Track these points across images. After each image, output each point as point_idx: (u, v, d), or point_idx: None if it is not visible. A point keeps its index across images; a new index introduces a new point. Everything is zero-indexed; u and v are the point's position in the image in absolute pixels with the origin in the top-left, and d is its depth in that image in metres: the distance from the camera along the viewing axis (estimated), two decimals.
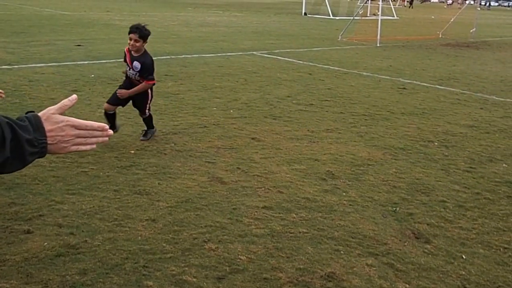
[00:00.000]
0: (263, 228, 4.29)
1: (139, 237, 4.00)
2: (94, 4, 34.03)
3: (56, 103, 1.41)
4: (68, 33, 17.24)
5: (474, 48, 20.39)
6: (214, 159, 5.88)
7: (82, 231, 4.06)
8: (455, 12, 28.64)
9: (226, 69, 11.96)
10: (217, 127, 7.18)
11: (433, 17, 39.27)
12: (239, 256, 3.82)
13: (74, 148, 1.40)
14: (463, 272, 3.81)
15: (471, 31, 24.59)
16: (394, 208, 4.81)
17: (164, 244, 3.92)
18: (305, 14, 36.51)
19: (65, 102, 1.42)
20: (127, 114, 7.48)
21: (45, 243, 3.84)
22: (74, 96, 1.46)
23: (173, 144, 6.30)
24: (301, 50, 16.42)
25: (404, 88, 10.75)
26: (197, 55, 13.86)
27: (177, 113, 7.76)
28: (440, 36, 24.04)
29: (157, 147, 6.16)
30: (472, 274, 3.80)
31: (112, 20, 23.31)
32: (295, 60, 14.00)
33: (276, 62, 13.54)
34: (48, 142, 1.35)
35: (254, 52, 15.13)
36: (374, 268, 3.76)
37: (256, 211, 4.59)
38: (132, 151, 5.98)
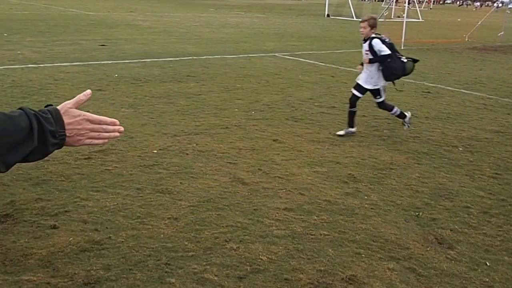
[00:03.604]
0: (284, 229, 4.35)
1: (162, 235, 4.10)
2: (118, 4, 34.46)
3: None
4: (92, 33, 17.54)
5: (502, 52, 20.17)
6: (236, 160, 5.97)
7: (106, 227, 4.19)
8: (482, 15, 28.38)
9: (248, 71, 12.06)
10: (238, 128, 7.26)
11: (459, 20, 38.96)
12: (260, 256, 3.88)
13: (88, 141, 1.49)
14: (487, 279, 3.79)
15: (499, 34, 24.33)
16: (417, 213, 4.81)
17: (186, 243, 4.01)
18: (328, 15, 36.51)
19: (81, 97, 1.50)
20: (150, 114, 7.61)
21: (71, 238, 3.98)
22: (89, 91, 1.54)
23: (195, 145, 6.41)
24: (324, 52, 16.46)
25: (429, 92, 10.72)
26: (219, 56, 13.98)
27: (199, 114, 7.87)
28: (467, 39, 23.85)
29: (179, 147, 6.27)
30: (496, 281, 3.78)
31: (135, 20, 23.61)
32: (317, 62, 14.04)
33: (298, 64, 13.59)
34: (67, 134, 1.44)
35: (276, 54, 15.20)
36: (396, 273, 3.78)
37: (277, 213, 4.65)
38: (155, 151, 6.10)
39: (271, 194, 5.08)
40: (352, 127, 7.33)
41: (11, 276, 3.48)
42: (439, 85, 11.60)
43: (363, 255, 4.01)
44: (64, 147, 1.47)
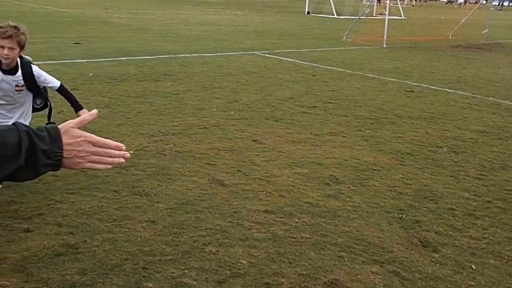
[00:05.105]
0: (264, 232, 4.36)
1: (139, 238, 4.09)
2: (92, 1, 34.21)
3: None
4: (66, 31, 17.41)
5: (486, 50, 20.35)
6: (215, 161, 5.97)
7: (82, 231, 4.16)
8: (466, 12, 28.66)
9: (227, 69, 12.06)
10: (217, 128, 7.26)
11: (442, 17, 39.33)
12: (240, 260, 3.89)
13: (88, 165, 1.43)
14: (473, 283, 3.82)
15: (483, 32, 24.56)
16: (401, 215, 4.84)
17: (164, 246, 4.01)
18: (308, 13, 36.61)
19: (86, 116, 1.45)
20: (126, 114, 7.58)
21: (45, 242, 3.96)
22: (95, 111, 1.48)
23: (172, 145, 6.39)
24: (304, 50, 16.51)
25: (412, 91, 10.82)
26: (196, 55, 13.96)
27: (176, 114, 7.85)
28: (450, 37, 24.06)
29: (157, 148, 6.25)
30: (481, 285, 3.81)
31: (111, 17, 23.49)
32: (297, 61, 14.09)
33: (278, 63, 13.62)
34: (64, 155, 1.38)
35: (255, 52, 15.22)
36: (379, 276, 3.80)
37: (258, 215, 4.66)
38: (131, 152, 6.06)
39: (251, 196, 5.09)
40: None
41: None
42: (422, 84, 11.70)
43: (345, 259, 4.03)
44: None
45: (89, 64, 11.58)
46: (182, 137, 6.75)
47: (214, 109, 8.29)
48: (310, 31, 23.35)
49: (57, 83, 4.81)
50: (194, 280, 3.59)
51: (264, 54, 14.91)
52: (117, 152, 1.47)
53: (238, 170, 5.73)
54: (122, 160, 1.48)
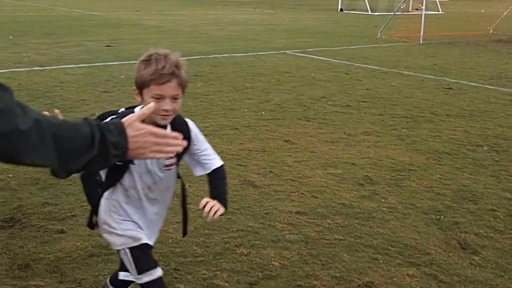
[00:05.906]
0: (296, 233, 4.38)
1: (170, 240, 4.15)
2: (123, 4, 34.71)
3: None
4: (97, 34, 17.74)
5: None
6: (246, 162, 6.00)
7: None
8: (508, 6, 28.15)
9: (258, 69, 12.11)
10: (248, 129, 7.30)
11: (482, 11, 38.76)
12: (272, 262, 3.91)
13: (151, 154, 1.61)
14: None
15: None
16: (438, 216, 4.79)
17: (195, 248, 4.06)
18: (341, 10, 36.49)
19: (144, 110, 1.66)
20: None
21: (78, 243, 4.07)
22: (152, 104, 1.70)
23: None
24: (337, 48, 16.46)
25: (450, 88, 10.68)
26: (227, 55, 14.05)
27: (207, 115, 7.92)
28: (491, 31, 23.67)
29: None
30: None
31: (141, 20, 23.81)
32: (330, 59, 14.05)
33: (310, 61, 13.62)
34: (129, 147, 1.54)
35: (287, 51, 15.23)
36: (416, 279, 3.78)
37: (290, 216, 4.68)
38: None
39: (283, 197, 5.11)
40: None
41: (19, 281, 3.57)
42: (461, 81, 11.55)
43: (380, 261, 4.01)
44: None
45: (120, 66, 11.77)
46: (213, 138, 6.80)
47: (245, 110, 8.33)
48: (344, 29, 23.27)
49: (218, 161, 3.06)
50: (226, 281, 3.63)
51: (296, 53, 14.91)
52: (174, 141, 1.66)
53: (269, 171, 5.76)
54: (180, 148, 1.68)
